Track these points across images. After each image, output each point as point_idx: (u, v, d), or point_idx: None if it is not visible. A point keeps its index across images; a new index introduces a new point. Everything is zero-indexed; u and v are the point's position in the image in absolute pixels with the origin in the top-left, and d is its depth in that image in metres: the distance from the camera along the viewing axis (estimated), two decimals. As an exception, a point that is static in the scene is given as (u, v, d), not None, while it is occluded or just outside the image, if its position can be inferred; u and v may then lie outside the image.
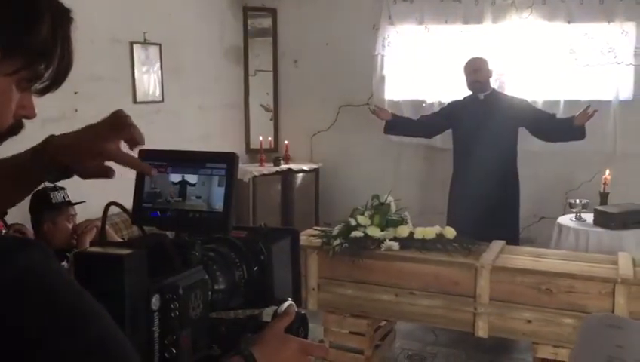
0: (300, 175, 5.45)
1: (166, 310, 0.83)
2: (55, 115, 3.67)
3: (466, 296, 3.22)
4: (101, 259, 0.80)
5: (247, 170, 5.29)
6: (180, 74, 4.81)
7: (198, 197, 0.93)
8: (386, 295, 3.39)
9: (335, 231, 3.53)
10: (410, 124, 4.66)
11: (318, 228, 3.94)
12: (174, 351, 0.84)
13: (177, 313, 0.84)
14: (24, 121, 0.87)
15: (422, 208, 5.20)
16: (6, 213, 3.10)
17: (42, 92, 0.81)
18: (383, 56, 5.29)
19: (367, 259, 3.38)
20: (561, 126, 4.21)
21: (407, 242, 3.42)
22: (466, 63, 4.36)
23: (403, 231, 3.45)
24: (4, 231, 2.83)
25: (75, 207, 3.10)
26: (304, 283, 3.55)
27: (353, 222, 3.50)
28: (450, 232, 3.43)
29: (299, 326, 0.98)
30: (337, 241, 3.43)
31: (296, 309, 1.01)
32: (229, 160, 0.92)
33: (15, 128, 0.82)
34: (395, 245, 3.40)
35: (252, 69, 5.67)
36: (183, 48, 4.84)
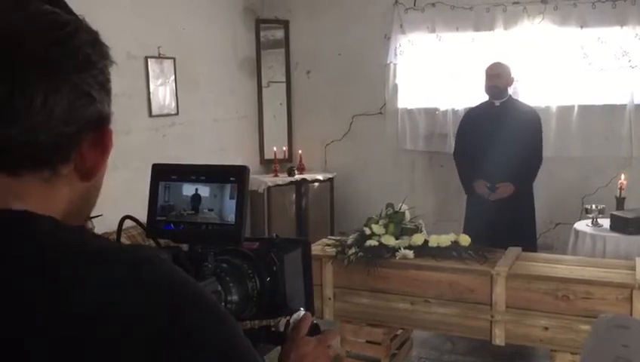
0: (315, 184, 5.47)
1: (180, 321, 0.85)
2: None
3: (482, 303, 3.21)
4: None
5: (262, 180, 5.32)
6: (195, 87, 4.86)
7: (211, 210, 0.95)
8: (401, 303, 3.38)
9: (350, 240, 3.54)
10: (474, 164, 4.31)
11: (333, 237, 3.95)
12: None
13: (191, 324, 0.85)
14: None
15: (437, 216, 5.19)
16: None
17: None
18: (395, 65, 5.31)
19: (382, 267, 3.39)
20: (517, 172, 4.15)
21: (422, 250, 3.42)
22: (488, 67, 4.34)
23: (418, 239, 3.45)
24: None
25: (93, 220, 3.14)
26: (320, 293, 3.56)
27: (368, 231, 3.51)
28: (465, 240, 3.42)
29: (311, 336, 0.99)
30: (352, 250, 3.44)
31: (312, 319, 1.03)
32: (239, 173, 0.94)
33: None
34: (410, 253, 3.40)
35: (265, 81, 5.72)
36: (197, 61, 4.90)
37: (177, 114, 4.68)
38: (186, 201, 0.96)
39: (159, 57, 4.49)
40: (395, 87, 5.35)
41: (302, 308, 1.02)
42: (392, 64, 5.31)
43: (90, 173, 0.62)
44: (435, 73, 5.19)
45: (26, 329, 0.53)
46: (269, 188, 5.23)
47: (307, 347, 0.94)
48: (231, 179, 0.95)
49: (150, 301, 0.55)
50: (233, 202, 0.94)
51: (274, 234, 1.11)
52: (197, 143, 4.80)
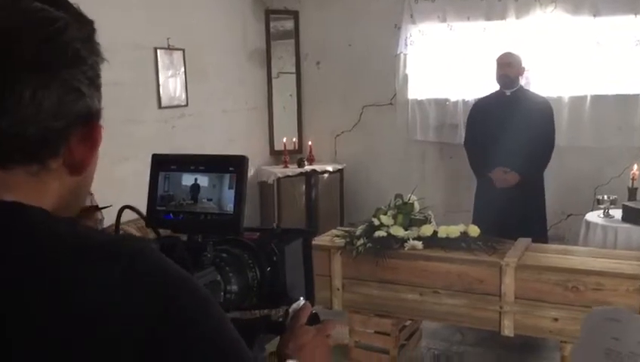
0: (324, 175, 5.47)
1: (178, 310, 0.85)
2: (82, 121, 3.76)
3: (491, 294, 3.19)
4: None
5: (272, 171, 5.32)
6: (204, 78, 4.86)
7: (210, 200, 0.95)
8: (410, 294, 3.38)
9: (358, 231, 3.54)
10: (485, 154, 4.26)
11: (342, 228, 3.95)
12: (187, 350, 0.86)
13: (189, 313, 0.86)
14: None
15: (447, 207, 5.17)
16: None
17: None
18: (405, 55, 5.28)
19: (390, 258, 3.38)
20: (533, 159, 4.12)
21: (431, 241, 3.41)
22: (499, 56, 4.31)
23: (427, 230, 3.44)
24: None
25: (102, 211, 3.17)
26: (329, 284, 3.56)
27: (376, 222, 3.50)
28: (474, 230, 3.40)
29: (310, 325, 0.99)
30: (361, 241, 3.44)
31: (311, 308, 1.03)
32: (238, 163, 0.94)
33: None
34: (419, 244, 3.39)
35: (275, 72, 5.71)
36: (207, 52, 4.90)
37: (187, 105, 4.69)
38: (185, 191, 0.96)
39: (168, 48, 4.50)
40: (406, 77, 5.33)
41: (302, 298, 1.02)
42: (402, 54, 5.28)
43: (80, 167, 0.63)
44: (445, 63, 5.15)
45: (25, 329, 0.53)
46: (278, 179, 5.24)
47: (306, 336, 0.94)
48: (230, 169, 0.95)
49: (148, 297, 0.56)
50: (232, 192, 0.94)
51: (274, 225, 1.10)
52: (206, 134, 4.81)
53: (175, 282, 0.59)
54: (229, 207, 0.94)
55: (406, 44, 5.26)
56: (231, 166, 0.94)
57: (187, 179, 0.96)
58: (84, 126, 0.62)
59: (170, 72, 4.53)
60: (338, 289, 3.54)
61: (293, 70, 5.74)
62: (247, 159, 0.94)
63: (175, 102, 4.59)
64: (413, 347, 3.82)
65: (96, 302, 0.54)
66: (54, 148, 0.60)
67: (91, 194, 3.16)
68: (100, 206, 3.16)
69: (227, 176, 0.94)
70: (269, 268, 1.04)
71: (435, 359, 3.79)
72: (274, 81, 5.72)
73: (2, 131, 0.56)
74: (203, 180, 0.95)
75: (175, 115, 4.59)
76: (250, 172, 5.50)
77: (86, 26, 0.65)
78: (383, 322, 3.50)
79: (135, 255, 0.59)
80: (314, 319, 0.99)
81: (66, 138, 0.60)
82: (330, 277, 3.54)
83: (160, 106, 4.45)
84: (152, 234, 1.01)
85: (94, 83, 0.63)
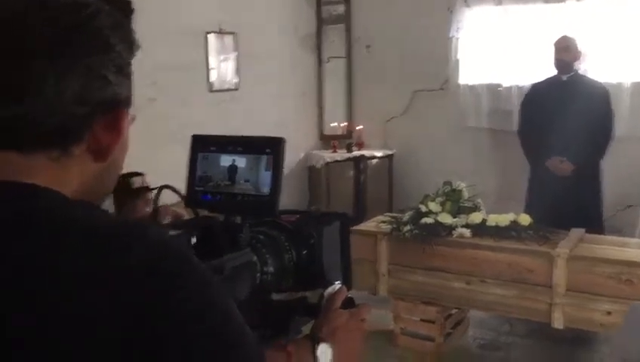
0: (373, 161, 5.43)
1: (212, 290, 0.86)
2: (134, 104, 3.84)
3: (541, 285, 3.12)
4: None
5: (321, 156, 5.33)
6: (255, 62, 4.89)
7: (247, 181, 0.95)
8: (457, 282, 3.34)
9: (405, 217, 3.51)
10: (540, 142, 4.16)
11: (389, 214, 3.92)
12: (220, 330, 0.87)
13: (223, 293, 0.86)
14: None
15: (499, 195, 5.05)
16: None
17: None
18: (458, 39, 5.17)
19: (438, 245, 3.34)
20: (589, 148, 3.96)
21: (480, 229, 3.35)
22: (557, 40, 4.17)
23: (475, 217, 3.38)
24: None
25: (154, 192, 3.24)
26: (374, 269, 3.55)
27: (424, 209, 3.47)
28: (525, 219, 3.32)
29: (345, 309, 0.99)
30: (407, 228, 3.41)
31: (347, 292, 1.02)
32: (275, 145, 0.94)
33: None
34: (467, 232, 3.34)
35: (326, 56, 5.70)
36: (258, 37, 4.92)
37: (237, 89, 4.73)
38: (223, 172, 0.97)
39: (220, 33, 4.54)
40: (458, 62, 5.22)
41: (337, 282, 1.01)
42: (454, 38, 5.17)
43: (104, 154, 0.62)
44: (499, 48, 5.02)
45: (25, 328, 0.52)
46: (327, 163, 5.24)
47: (339, 319, 0.94)
48: (267, 150, 0.94)
49: (149, 293, 0.55)
50: (269, 174, 0.94)
51: (313, 208, 1.10)
52: (256, 118, 4.84)
53: (180, 276, 0.57)
54: (266, 188, 0.93)
55: (459, 28, 5.15)
56: (268, 148, 0.94)
57: (225, 160, 0.97)
58: (110, 113, 0.62)
59: (221, 56, 4.58)
60: (384, 275, 3.53)
61: (344, 55, 5.71)
62: (284, 141, 0.93)
63: (226, 86, 4.64)
64: (460, 336, 3.77)
65: (97, 299, 0.53)
66: (77, 135, 0.60)
67: (143, 175, 3.23)
68: (151, 187, 3.23)
69: (264, 158, 0.94)
70: (305, 251, 1.04)
71: (481, 349, 3.73)
72: (324, 65, 5.71)
73: (23, 118, 0.56)
74: (240, 161, 0.96)
75: (226, 99, 4.64)
76: (300, 156, 5.52)
77: (120, 12, 0.64)
78: (429, 309, 3.47)
79: (145, 245, 0.57)
80: (349, 303, 0.99)
81: (90, 125, 0.60)
82: (375, 262, 3.53)
83: (211, 90, 4.51)
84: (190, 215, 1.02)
85: (123, 71, 0.63)
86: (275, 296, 1.03)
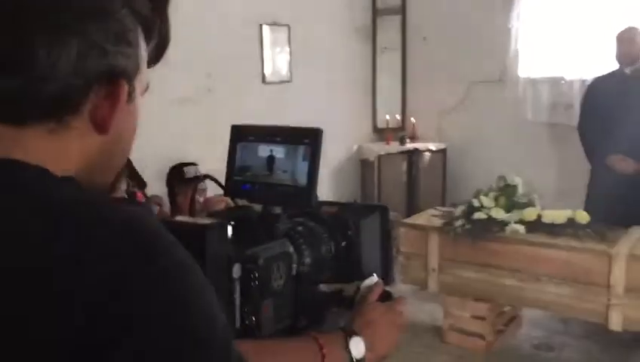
0: (427, 154, 5.36)
1: (247, 279, 0.86)
2: (190, 95, 3.91)
3: (598, 285, 3.00)
4: (185, 228, 0.84)
5: (373, 148, 5.30)
6: (308, 54, 4.89)
7: (284, 172, 0.95)
8: (509, 280, 3.25)
9: (457, 211, 3.45)
10: (602, 138, 3.97)
11: (441, 208, 3.86)
12: (254, 318, 0.87)
13: (257, 283, 0.87)
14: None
15: (557, 192, 4.89)
16: (146, 185, 3.38)
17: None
18: (517, 29, 5.02)
19: (490, 241, 3.27)
20: None
21: (535, 226, 3.25)
22: (619, 32, 4.00)
23: (530, 214, 3.28)
24: (142, 201, 3.08)
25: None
26: (424, 264, 3.51)
27: (476, 203, 3.39)
28: (582, 217, 3.21)
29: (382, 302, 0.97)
30: (459, 222, 3.35)
31: (383, 286, 1.01)
32: (313, 135, 0.93)
33: None
34: (521, 228, 3.25)
35: (380, 47, 5.64)
36: (312, 28, 4.91)
37: (290, 81, 4.75)
38: (261, 162, 0.97)
39: (274, 24, 4.56)
40: (517, 53, 5.07)
41: (374, 275, 1.00)
42: (513, 28, 5.02)
43: (103, 126, 0.60)
44: (561, 39, 4.84)
45: None
46: (379, 156, 5.20)
47: (374, 313, 0.93)
48: (304, 141, 0.94)
49: (109, 268, 0.51)
50: (306, 164, 0.93)
51: (353, 200, 1.09)
52: (309, 110, 4.84)
53: (143, 260, 0.52)
54: (303, 179, 0.93)
55: (518, 18, 5.00)
56: (306, 138, 0.94)
57: (263, 150, 0.97)
58: (108, 84, 0.59)
59: (274, 48, 4.60)
60: (434, 270, 3.48)
61: (399, 46, 5.64)
62: (322, 131, 0.93)
63: (279, 78, 4.67)
64: (512, 334, 3.69)
65: (41, 285, 0.49)
66: (73, 106, 0.58)
67: (196, 165, 3.30)
68: (205, 176, 3.29)
69: (301, 148, 0.94)
70: (343, 243, 1.03)
71: (534, 348, 3.63)
72: (379, 57, 5.66)
73: (16, 90, 0.55)
74: (278, 152, 0.96)
75: (279, 90, 4.67)
76: (353, 149, 5.50)
77: None
78: (480, 306, 3.40)
79: (108, 224, 0.53)
80: (386, 297, 0.97)
81: (86, 96, 0.58)
82: (426, 257, 3.49)
83: (264, 81, 4.54)
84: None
85: (122, 39, 0.59)
86: (312, 288, 1.02)
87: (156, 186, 3.49)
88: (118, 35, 0.59)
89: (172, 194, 3.32)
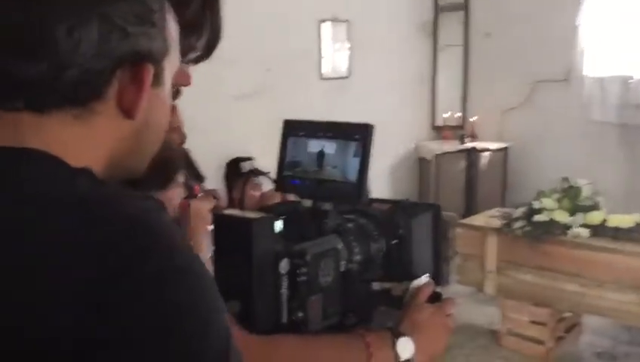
0: (487, 154, 5.24)
1: (294, 274, 0.86)
2: (248, 90, 3.95)
3: (666, 294, 2.87)
4: (233, 221, 0.85)
5: (431, 147, 5.22)
6: (367, 50, 4.86)
7: (334, 167, 0.94)
8: (570, 285, 3.14)
9: (517, 213, 3.35)
10: None
11: (500, 209, 3.77)
12: (301, 314, 0.86)
13: (305, 278, 0.86)
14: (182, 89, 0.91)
15: (626, 196, 4.68)
16: (204, 179, 3.44)
17: (195, 61, 0.86)
18: (585, 26, 4.84)
19: (551, 244, 3.17)
20: None
21: (599, 230, 3.13)
22: None
23: (594, 217, 3.16)
24: (200, 195, 3.14)
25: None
26: (481, 265, 3.43)
27: (538, 205, 3.29)
28: (651, 222, 3.06)
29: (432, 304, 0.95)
30: (519, 224, 3.26)
31: (433, 286, 0.98)
32: (364, 131, 0.92)
33: (174, 95, 0.86)
34: (585, 232, 3.13)
35: (442, 44, 5.55)
36: (371, 24, 4.88)
37: (348, 77, 4.73)
38: (311, 157, 0.96)
39: (333, 20, 4.56)
40: (584, 51, 4.89)
41: (426, 275, 0.98)
42: (581, 26, 4.84)
43: (130, 111, 0.59)
44: (629, 36, 4.63)
45: None
46: (437, 155, 5.12)
47: (422, 314, 0.90)
48: (355, 137, 0.92)
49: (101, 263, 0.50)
50: (357, 160, 0.92)
51: (405, 198, 1.07)
52: (366, 107, 4.80)
53: (144, 258, 0.51)
54: (353, 175, 0.92)
55: (587, 15, 4.81)
56: (356, 134, 0.92)
57: (314, 146, 0.96)
58: (132, 67, 0.58)
59: (333, 44, 4.60)
60: (491, 273, 3.40)
61: (461, 42, 5.53)
62: (373, 127, 0.91)
63: (337, 74, 4.66)
64: (572, 341, 3.56)
65: (41, 277, 0.48)
66: (97, 91, 0.56)
67: (252, 159, 3.33)
68: (252, 171, 3.32)
69: (352, 144, 0.92)
70: (394, 241, 1.01)
71: (596, 356, 3.50)
72: (440, 53, 5.56)
73: (37, 75, 0.53)
74: (329, 147, 0.95)
75: (336, 87, 4.66)
76: (410, 146, 5.44)
77: None
78: (539, 311, 3.31)
79: (110, 219, 0.52)
80: (436, 298, 0.95)
81: (110, 80, 0.57)
82: (483, 258, 3.41)
83: (322, 77, 4.54)
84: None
85: (145, 19, 0.57)
86: (361, 285, 1.01)
87: (215, 180, 3.55)
88: (140, 16, 0.57)
89: (229, 189, 3.37)
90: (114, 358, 0.47)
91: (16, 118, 0.55)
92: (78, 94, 0.56)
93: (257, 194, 3.24)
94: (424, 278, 0.96)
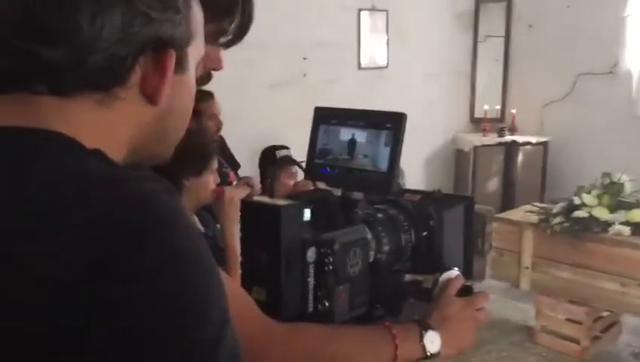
0: (526, 147, 5.14)
1: (321, 263, 0.85)
2: (285, 79, 3.96)
3: None
4: (262, 208, 0.84)
5: (469, 139, 5.15)
6: (406, 40, 4.81)
7: (365, 156, 0.93)
8: (609, 283, 3.05)
9: (556, 208, 3.27)
10: None
11: (538, 204, 3.69)
12: (327, 303, 0.86)
13: (332, 268, 0.85)
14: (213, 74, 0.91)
15: (671, 193, 4.55)
16: (239, 166, 3.46)
17: (227, 45, 0.86)
18: (634, 17, 4.68)
19: (590, 242, 3.07)
20: None
21: (642, 228, 3.03)
22: None
23: (637, 215, 3.06)
24: (235, 182, 3.16)
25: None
26: (517, 261, 3.37)
27: (577, 201, 3.20)
28: (697, 221, 2.95)
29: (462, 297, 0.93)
30: (557, 220, 3.18)
31: (463, 280, 0.97)
32: (396, 120, 0.91)
33: (204, 79, 0.85)
34: (626, 230, 3.02)
35: (482, 35, 5.46)
36: (411, 14, 4.83)
37: (387, 67, 4.69)
38: (342, 146, 0.96)
39: (372, 9, 4.51)
40: (631, 43, 4.73)
41: (455, 268, 0.96)
42: (629, 17, 4.69)
43: (153, 96, 0.59)
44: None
45: None
46: (475, 147, 5.05)
47: (452, 307, 0.89)
48: (387, 125, 0.91)
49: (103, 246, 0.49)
50: (387, 149, 0.91)
51: (436, 189, 1.05)
52: (404, 97, 4.76)
53: (149, 237, 0.50)
54: (383, 164, 0.91)
55: (636, 6, 4.66)
56: (388, 123, 0.91)
57: (345, 134, 0.95)
58: (155, 53, 0.58)
59: (372, 33, 4.56)
60: (527, 268, 3.33)
61: (503, 33, 5.42)
62: (406, 116, 0.90)
63: (375, 64, 4.62)
64: (610, 341, 3.47)
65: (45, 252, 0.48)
66: (120, 77, 0.56)
67: (287, 148, 3.34)
68: (282, 158, 3.32)
69: (384, 133, 0.91)
70: (425, 233, 1.00)
71: (634, 358, 3.41)
72: (480, 44, 5.47)
73: (60, 60, 0.53)
74: (360, 136, 0.94)
75: (374, 77, 4.62)
76: (448, 138, 5.38)
77: None
78: (576, 309, 3.22)
79: (119, 196, 0.52)
80: (466, 291, 0.93)
81: (133, 66, 0.57)
82: (519, 254, 3.34)
83: (360, 67, 4.51)
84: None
85: (169, 5, 0.57)
86: (389, 276, 1.00)
87: (250, 168, 3.57)
88: (164, 2, 0.57)
89: (263, 176, 3.39)
90: (112, 335, 0.47)
91: (39, 101, 0.55)
92: (101, 79, 0.56)
93: (291, 182, 3.26)
94: (454, 271, 0.95)
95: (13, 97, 0.55)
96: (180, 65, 0.60)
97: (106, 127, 0.58)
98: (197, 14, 0.62)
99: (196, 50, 0.63)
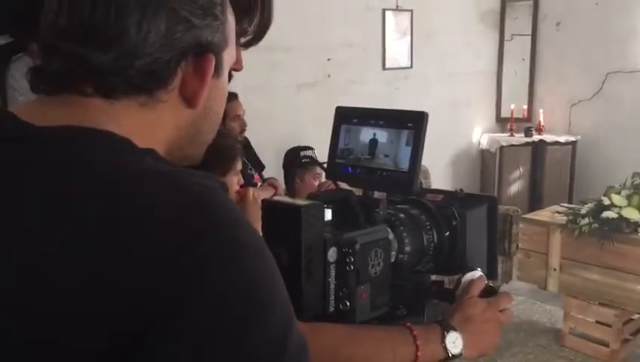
0: (554, 147, 5.06)
1: (342, 263, 0.85)
2: (310, 80, 3.96)
3: None
4: (282, 208, 0.84)
5: (496, 139, 5.10)
6: (431, 40, 4.78)
7: (386, 156, 0.92)
8: (639, 285, 3.00)
9: (584, 209, 3.22)
10: None
11: (566, 204, 3.63)
12: (349, 303, 0.86)
13: (353, 267, 0.85)
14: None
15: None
16: (264, 168, 3.48)
17: (246, 46, 0.87)
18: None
19: (619, 243, 3.03)
20: None
21: (672, 229, 2.97)
22: None
23: (668, 215, 3.00)
24: (259, 184, 3.17)
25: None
26: (545, 262, 3.33)
27: (606, 202, 3.15)
28: None
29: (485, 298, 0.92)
30: (586, 221, 3.13)
31: (486, 280, 0.95)
32: (418, 119, 0.90)
33: None
34: (657, 231, 2.98)
35: (508, 34, 5.39)
36: (435, 13, 4.79)
37: (411, 67, 4.66)
38: (363, 145, 0.95)
39: (397, 9, 4.49)
40: (662, 40, 4.64)
41: (478, 269, 0.95)
42: (659, 14, 4.60)
43: (192, 100, 0.61)
44: None
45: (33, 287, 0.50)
46: (501, 147, 4.99)
47: (474, 308, 0.88)
48: (408, 125, 0.90)
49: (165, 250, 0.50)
50: (409, 149, 0.90)
51: (459, 189, 1.04)
52: (429, 97, 4.73)
53: (213, 236, 0.51)
54: (405, 164, 0.90)
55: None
56: (410, 122, 0.90)
57: (366, 134, 0.95)
58: (196, 58, 0.60)
59: (396, 33, 4.54)
60: (555, 270, 3.29)
61: (529, 32, 5.35)
62: (427, 115, 0.89)
63: (399, 64, 4.60)
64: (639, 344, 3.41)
65: (103, 251, 0.49)
66: (162, 80, 0.59)
67: (312, 149, 3.34)
68: (320, 162, 3.33)
69: (405, 133, 0.90)
70: (447, 233, 0.99)
71: (666, 362, 3.34)
72: (506, 43, 5.40)
73: (107, 64, 0.56)
74: (381, 135, 0.93)
75: (399, 77, 4.60)
76: (474, 138, 5.33)
77: None
78: (605, 311, 3.18)
79: (178, 195, 0.53)
80: (489, 292, 0.92)
81: (175, 70, 0.59)
82: (546, 255, 3.30)
83: (384, 67, 4.49)
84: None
85: (209, 12, 0.59)
86: (411, 277, 0.99)
87: (274, 169, 3.58)
88: (204, 9, 0.59)
89: (287, 177, 3.39)
90: (188, 324, 0.48)
91: (89, 103, 0.58)
92: (145, 83, 0.58)
93: (316, 183, 3.27)
94: (477, 272, 0.94)
95: (64, 98, 0.58)
96: (217, 70, 0.63)
97: (148, 128, 0.60)
98: (231, 21, 0.64)
99: (229, 55, 0.65)
